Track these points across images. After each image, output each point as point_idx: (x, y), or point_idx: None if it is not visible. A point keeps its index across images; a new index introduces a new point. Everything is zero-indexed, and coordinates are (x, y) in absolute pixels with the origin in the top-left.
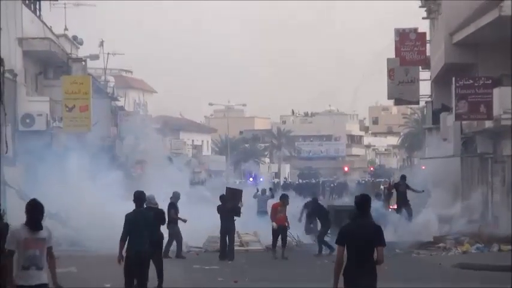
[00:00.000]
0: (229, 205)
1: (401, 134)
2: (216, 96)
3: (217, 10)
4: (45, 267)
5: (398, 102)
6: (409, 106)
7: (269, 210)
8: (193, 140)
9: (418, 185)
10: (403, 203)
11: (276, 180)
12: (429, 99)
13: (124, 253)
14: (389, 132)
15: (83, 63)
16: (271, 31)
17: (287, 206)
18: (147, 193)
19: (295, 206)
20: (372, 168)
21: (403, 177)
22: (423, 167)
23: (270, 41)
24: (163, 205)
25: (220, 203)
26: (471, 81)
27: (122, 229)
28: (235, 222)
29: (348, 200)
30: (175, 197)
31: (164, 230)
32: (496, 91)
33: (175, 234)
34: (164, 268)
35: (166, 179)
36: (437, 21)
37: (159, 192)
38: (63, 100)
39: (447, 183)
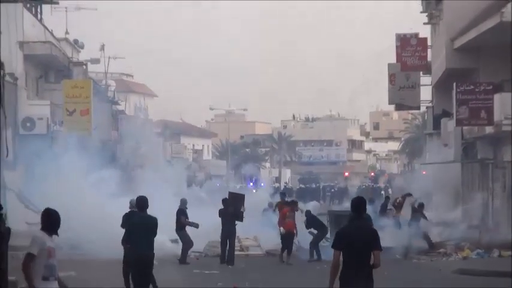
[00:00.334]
0: (232, 209)
1: (402, 139)
2: (217, 100)
3: (217, 13)
4: None
5: (399, 107)
6: (410, 111)
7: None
8: (193, 145)
9: (419, 190)
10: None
11: (276, 185)
12: (430, 104)
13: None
14: (390, 138)
15: (84, 67)
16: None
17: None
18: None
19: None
20: (372, 174)
21: (421, 205)
22: (424, 172)
23: (270, 43)
24: (162, 206)
25: (222, 207)
26: (472, 87)
27: (121, 229)
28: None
29: (348, 205)
30: (183, 203)
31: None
32: (497, 97)
33: (185, 240)
34: (165, 272)
35: (162, 180)
36: (439, 26)
37: (154, 193)
38: (64, 104)
39: (448, 189)
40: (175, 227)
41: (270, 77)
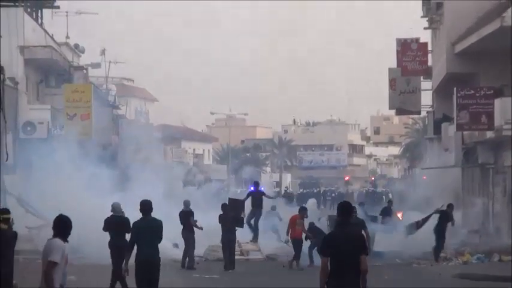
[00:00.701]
0: (232, 215)
1: (403, 143)
2: (218, 105)
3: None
4: None
5: (399, 112)
6: (411, 116)
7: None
8: (194, 149)
9: (419, 194)
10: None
11: (277, 190)
12: (430, 109)
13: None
14: (391, 142)
15: (85, 71)
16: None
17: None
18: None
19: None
20: (373, 178)
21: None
22: (424, 177)
23: (271, 47)
24: (160, 205)
25: (221, 211)
26: (472, 92)
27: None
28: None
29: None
30: (186, 204)
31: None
32: (497, 101)
33: (190, 244)
34: (164, 277)
35: (157, 179)
36: (439, 31)
37: (151, 192)
38: (65, 108)
39: (448, 193)
40: (182, 229)
41: (270, 80)
